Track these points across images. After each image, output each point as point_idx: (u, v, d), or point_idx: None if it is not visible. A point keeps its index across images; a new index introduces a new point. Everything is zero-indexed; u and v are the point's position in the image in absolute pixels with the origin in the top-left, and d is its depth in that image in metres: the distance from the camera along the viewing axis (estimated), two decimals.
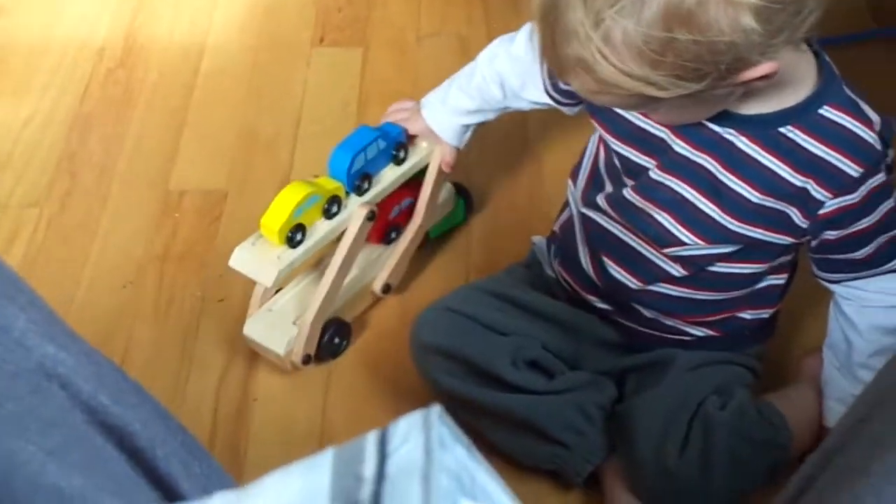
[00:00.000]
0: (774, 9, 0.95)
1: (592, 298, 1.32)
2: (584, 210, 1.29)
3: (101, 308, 1.50)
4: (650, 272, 1.25)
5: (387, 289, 1.47)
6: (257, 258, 1.32)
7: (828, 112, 1.11)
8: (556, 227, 1.38)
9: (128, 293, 1.52)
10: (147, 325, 1.48)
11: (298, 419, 1.38)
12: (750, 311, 1.27)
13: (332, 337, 1.40)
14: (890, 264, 1.18)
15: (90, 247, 1.58)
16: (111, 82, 1.83)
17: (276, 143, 1.71)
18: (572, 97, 1.29)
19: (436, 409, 0.52)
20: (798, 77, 1.10)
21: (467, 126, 1.43)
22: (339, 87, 1.81)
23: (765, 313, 1.28)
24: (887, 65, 1.80)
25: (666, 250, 1.21)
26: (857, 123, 1.11)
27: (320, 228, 1.35)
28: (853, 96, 1.13)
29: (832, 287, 1.23)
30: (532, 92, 1.35)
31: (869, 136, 1.11)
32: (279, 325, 1.38)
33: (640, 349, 1.32)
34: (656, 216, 1.19)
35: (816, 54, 1.13)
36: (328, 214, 1.36)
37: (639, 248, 1.24)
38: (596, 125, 1.23)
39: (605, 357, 1.33)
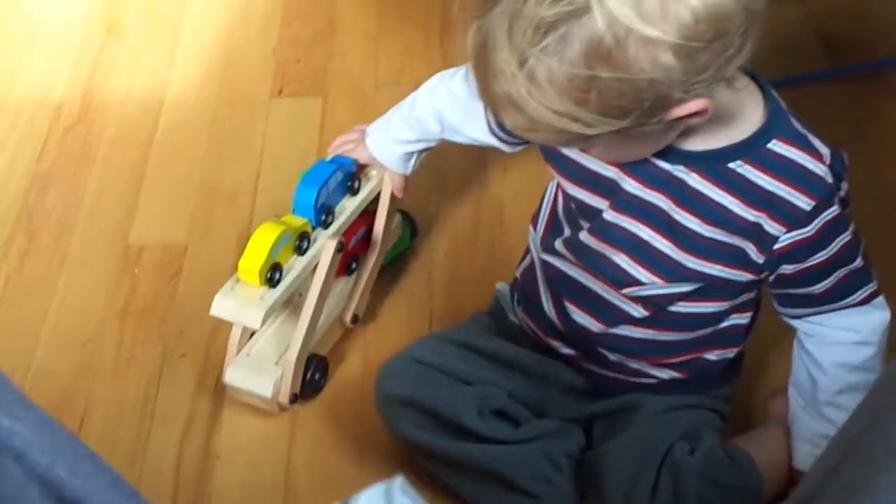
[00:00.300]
0: (696, 47, 0.95)
1: (556, 344, 1.31)
2: (544, 256, 1.29)
3: (60, 366, 1.49)
4: (611, 314, 1.24)
5: (355, 319, 1.47)
6: (240, 302, 1.31)
7: (776, 146, 1.11)
8: (517, 274, 1.37)
9: (88, 350, 1.50)
10: (107, 383, 1.47)
11: (262, 476, 1.36)
12: (715, 352, 1.27)
13: (314, 373, 1.40)
14: (850, 298, 1.18)
15: (49, 304, 1.57)
16: (69, 139, 1.82)
17: (236, 196, 1.70)
18: (515, 136, 1.27)
19: (398, 482, 0.51)
20: (743, 112, 1.10)
21: (410, 154, 1.44)
22: (299, 138, 1.81)
23: (730, 353, 1.28)
24: (844, 102, 1.82)
25: (625, 291, 1.21)
26: (807, 157, 1.11)
27: (295, 265, 1.36)
28: (802, 130, 1.13)
29: (794, 323, 1.23)
30: (471, 129, 1.35)
31: (819, 168, 1.11)
32: (261, 368, 1.37)
33: (607, 394, 1.31)
34: (613, 257, 1.19)
35: (762, 89, 1.13)
36: (300, 251, 1.37)
37: (599, 291, 1.24)
38: (550, 169, 1.23)
39: (571, 403, 1.32)
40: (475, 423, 1.26)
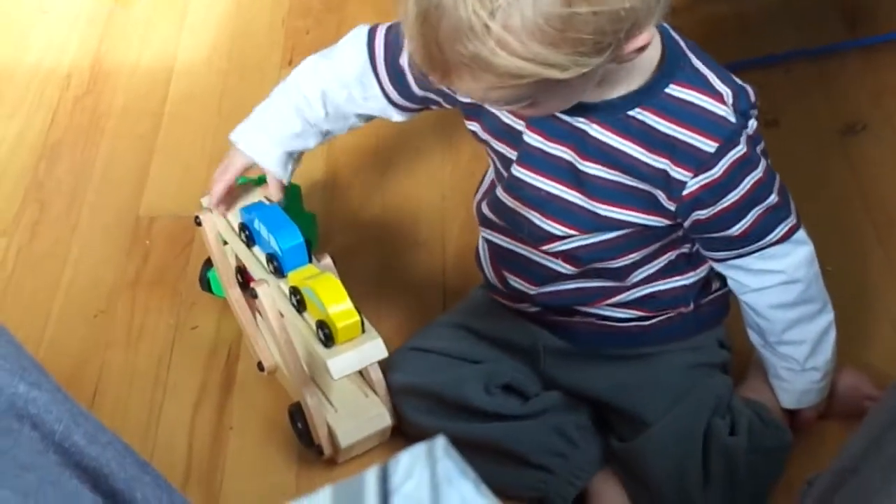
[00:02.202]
0: None
1: (521, 306, 1.31)
2: (481, 229, 1.30)
3: (72, 337, 1.48)
4: (539, 274, 1.25)
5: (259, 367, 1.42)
6: (354, 349, 1.19)
7: (674, 90, 1.10)
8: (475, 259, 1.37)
9: (99, 322, 1.50)
10: (119, 354, 1.46)
11: (275, 447, 1.35)
12: (662, 282, 1.25)
13: None
14: (769, 237, 1.17)
15: (60, 276, 1.56)
16: (79, 109, 1.81)
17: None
18: (413, 100, 1.25)
19: (440, 442, 0.49)
20: (643, 58, 1.07)
21: (291, 153, 1.32)
22: None
23: (682, 280, 1.26)
24: (863, 73, 1.81)
25: (544, 247, 1.21)
26: (706, 98, 1.10)
27: None
28: (702, 70, 1.12)
29: (720, 268, 1.22)
30: (360, 105, 1.27)
31: (720, 109, 1.10)
32: (361, 409, 1.31)
33: (591, 350, 1.30)
34: (526, 214, 1.19)
35: (661, 33, 1.11)
36: None
37: (523, 252, 1.24)
38: (472, 126, 1.21)
39: (568, 369, 1.31)
40: (483, 400, 1.26)
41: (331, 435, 1.29)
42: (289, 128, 1.30)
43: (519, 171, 1.18)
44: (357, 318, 1.17)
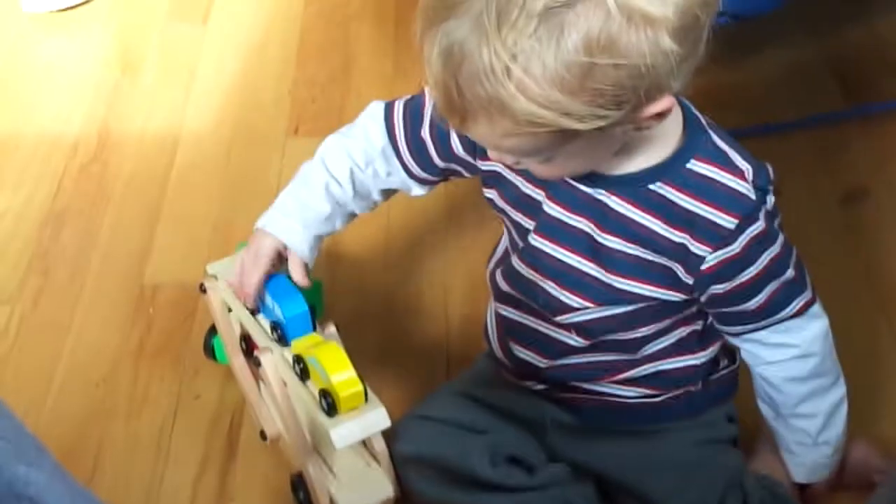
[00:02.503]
0: (687, 30, 0.94)
1: (527, 383, 1.31)
2: (495, 304, 1.29)
3: (74, 405, 1.48)
4: (551, 347, 1.24)
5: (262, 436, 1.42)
6: (356, 418, 1.17)
7: (695, 165, 1.10)
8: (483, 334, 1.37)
9: (102, 390, 1.50)
10: (121, 423, 1.46)
11: None
12: (671, 361, 1.25)
13: None
14: (785, 311, 1.17)
15: (63, 344, 1.56)
16: (85, 177, 1.82)
17: (251, 235, 1.68)
18: (435, 172, 1.25)
19: None
20: (664, 131, 1.08)
21: (319, 237, 1.30)
22: None
23: (691, 360, 1.25)
24: (864, 142, 1.82)
25: (558, 318, 1.20)
26: (727, 174, 1.10)
27: None
28: (722, 147, 1.12)
29: (735, 341, 1.22)
30: (384, 179, 1.27)
31: (741, 185, 1.10)
32: (364, 478, 1.30)
33: (598, 426, 1.30)
34: (542, 284, 1.19)
35: (682, 107, 1.11)
36: None
37: (534, 325, 1.24)
38: (490, 194, 1.22)
39: (575, 443, 1.31)
40: (488, 472, 1.25)
41: None
42: (319, 210, 1.28)
43: (537, 241, 1.18)
44: (360, 387, 1.17)
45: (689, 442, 1.28)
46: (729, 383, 1.31)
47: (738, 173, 1.11)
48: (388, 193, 1.31)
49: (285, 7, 2.18)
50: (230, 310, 1.35)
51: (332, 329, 1.28)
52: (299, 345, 1.22)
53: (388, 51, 2.06)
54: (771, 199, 1.13)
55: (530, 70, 0.93)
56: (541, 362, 1.26)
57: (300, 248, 1.28)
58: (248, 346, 1.36)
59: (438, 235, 1.66)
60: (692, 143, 1.11)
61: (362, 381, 1.17)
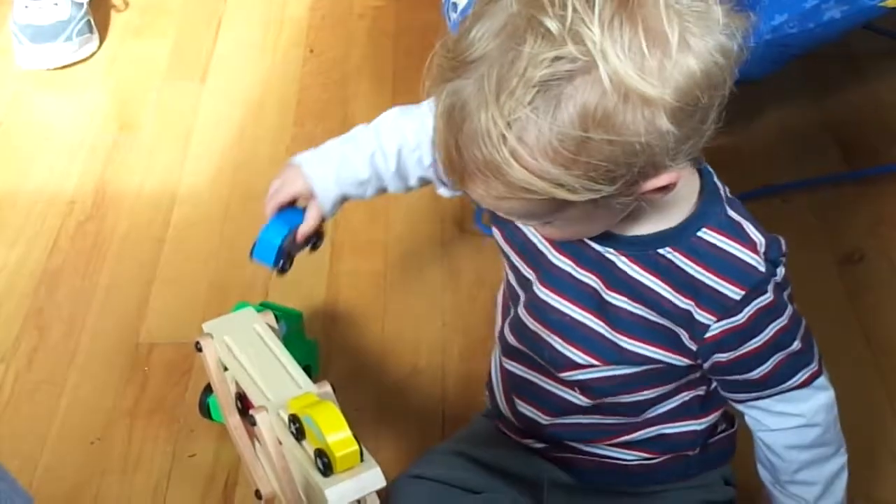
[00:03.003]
0: (687, 112, 0.94)
1: (527, 441, 1.30)
2: (503, 359, 1.28)
3: (68, 464, 1.47)
4: (554, 404, 1.23)
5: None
6: (352, 478, 1.15)
7: (706, 234, 1.10)
8: (486, 388, 1.36)
9: (96, 449, 1.49)
10: (116, 482, 1.45)
11: None
12: (672, 425, 1.24)
13: None
14: (790, 382, 1.16)
15: (58, 402, 1.55)
16: (80, 235, 1.82)
17: (247, 294, 1.69)
18: None
19: None
20: (677, 199, 1.09)
21: (346, 197, 1.33)
22: None
23: (693, 425, 1.25)
24: (861, 205, 1.82)
25: (563, 375, 1.19)
26: (737, 245, 1.10)
27: None
28: (736, 217, 1.12)
29: (739, 407, 1.21)
30: (425, 167, 1.29)
31: (751, 258, 1.10)
32: None
33: (595, 486, 1.29)
34: (547, 338, 1.18)
35: (700, 174, 1.12)
36: None
37: (538, 381, 1.23)
38: (496, 235, 1.22)
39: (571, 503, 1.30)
40: None
41: None
42: (357, 173, 1.31)
43: (543, 293, 1.17)
44: (356, 447, 1.16)
45: (686, 503, 1.27)
46: (726, 447, 1.30)
47: (750, 245, 1.10)
48: (423, 182, 1.32)
49: (283, 64, 2.19)
50: (226, 368, 1.34)
51: (327, 388, 1.27)
52: (295, 404, 1.21)
53: (386, 108, 2.06)
54: (781, 271, 1.13)
55: (525, 139, 0.93)
56: (543, 419, 1.26)
57: (324, 201, 1.31)
58: (243, 405, 1.35)
59: (436, 294, 1.66)
60: (705, 212, 1.11)
61: (358, 440, 1.16)
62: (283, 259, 1.34)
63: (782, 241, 1.14)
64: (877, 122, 1.98)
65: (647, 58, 0.92)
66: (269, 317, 1.33)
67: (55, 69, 2.15)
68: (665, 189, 1.00)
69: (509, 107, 0.92)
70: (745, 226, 1.11)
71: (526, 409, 1.26)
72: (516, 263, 1.20)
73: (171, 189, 1.92)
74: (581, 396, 1.21)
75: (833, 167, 1.89)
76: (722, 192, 1.13)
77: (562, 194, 0.96)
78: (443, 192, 1.31)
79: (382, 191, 1.33)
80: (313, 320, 1.63)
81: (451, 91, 0.96)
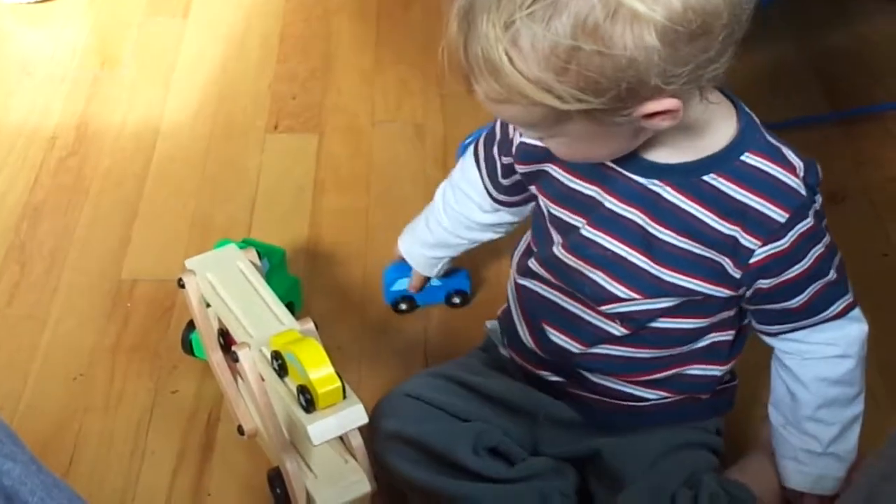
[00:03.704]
0: (680, 34, 0.97)
1: (544, 373, 1.31)
2: (520, 280, 1.30)
3: (51, 400, 1.47)
4: (590, 333, 1.25)
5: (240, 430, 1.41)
6: (336, 414, 1.16)
7: (749, 158, 1.12)
8: (499, 313, 1.38)
9: (78, 385, 1.48)
10: (98, 418, 1.45)
11: None
12: (698, 367, 1.26)
13: None
14: (826, 312, 1.18)
15: (39, 338, 1.55)
16: (62, 170, 1.81)
17: (230, 231, 1.68)
18: (513, 192, 1.32)
19: None
20: (715, 125, 1.12)
21: (438, 259, 1.50)
22: (294, 174, 1.80)
23: (715, 370, 1.27)
24: (844, 145, 1.83)
25: (603, 308, 1.21)
26: (780, 169, 1.12)
27: None
28: (775, 143, 1.14)
29: (772, 341, 1.23)
30: (478, 213, 1.40)
31: (792, 181, 1.12)
32: (341, 475, 1.27)
33: (598, 425, 1.30)
34: (589, 274, 1.20)
35: (735, 105, 1.14)
36: None
37: (575, 311, 1.24)
38: (533, 189, 1.25)
39: (564, 438, 1.31)
40: (470, 460, 1.25)
41: (310, 501, 1.28)
42: (428, 236, 1.48)
43: (589, 232, 1.19)
44: (338, 383, 1.16)
45: (674, 439, 1.29)
46: (729, 397, 1.33)
47: (791, 168, 1.12)
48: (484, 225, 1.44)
49: (265, 1, 2.17)
50: (208, 305, 1.35)
51: (310, 325, 1.27)
52: (278, 340, 1.22)
53: (369, 46, 2.05)
54: (819, 199, 1.15)
55: (519, 44, 0.98)
56: (576, 348, 1.26)
57: (418, 265, 1.53)
58: (225, 341, 1.36)
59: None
60: (746, 137, 1.13)
61: (340, 377, 1.16)
62: (399, 300, 1.57)
63: (818, 167, 1.15)
64: (860, 63, 1.98)
65: None
66: (252, 254, 1.33)
67: (36, 3, 2.14)
68: (669, 115, 1.03)
69: (508, 12, 0.97)
70: (784, 150, 1.14)
71: (558, 337, 1.27)
72: (556, 212, 1.21)
73: (152, 125, 1.90)
74: (620, 327, 1.22)
75: (816, 108, 1.89)
76: (756, 119, 1.15)
77: (551, 101, 0.99)
78: (510, 215, 1.40)
79: (460, 246, 1.48)
80: (296, 257, 1.63)
81: None
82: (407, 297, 1.57)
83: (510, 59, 0.98)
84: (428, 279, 1.54)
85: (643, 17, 0.95)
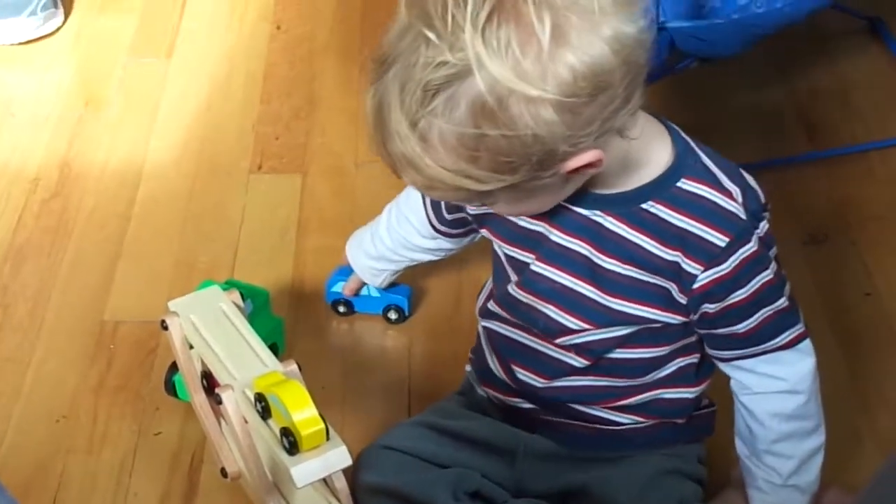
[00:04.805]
0: (577, 102, 0.98)
1: (517, 401, 1.32)
2: (483, 323, 1.32)
3: (33, 442, 1.46)
4: (552, 367, 1.26)
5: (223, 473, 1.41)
6: (318, 457, 1.16)
7: (685, 184, 1.14)
8: (471, 354, 1.40)
9: (61, 427, 1.48)
10: (81, 460, 1.44)
11: None
12: (669, 391, 1.27)
13: None
14: (776, 340, 1.18)
15: (22, 379, 1.54)
16: (45, 212, 1.81)
17: (214, 272, 1.68)
18: (455, 226, 1.38)
19: None
20: (650, 155, 1.13)
21: (380, 270, 1.55)
22: (278, 215, 1.80)
23: (686, 392, 1.28)
24: (826, 185, 1.83)
25: (558, 340, 1.23)
26: (717, 193, 1.14)
27: None
28: (712, 168, 1.15)
29: (725, 368, 1.23)
30: (417, 237, 1.46)
31: (730, 205, 1.13)
32: None
33: (579, 453, 1.31)
34: (541, 308, 1.21)
35: (669, 130, 1.16)
36: None
37: (535, 346, 1.26)
38: (485, 232, 1.26)
39: (546, 473, 1.31)
40: None
41: None
42: (371, 250, 1.53)
43: (538, 267, 1.20)
44: (322, 425, 1.16)
45: (659, 468, 1.29)
46: (706, 423, 1.33)
47: (727, 193, 1.14)
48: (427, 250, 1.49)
49: (250, 41, 2.18)
50: (191, 347, 1.34)
51: (293, 367, 1.27)
52: (260, 382, 1.21)
53: (353, 86, 2.06)
54: (764, 225, 1.16)
55: (428, 139, 1.01)
56: (539, 382, 1.27)
57: (362, 273, 1.58)
58: (209, 383, 1.35)
59: (403, 275, 1.65)
60: (682, 163, 1.14)
61: (324, 419, 1.16)
62: (337, 302, 1.62)
63: (759, 192, 1.17)
64: (842, 102, 1.99)
65: (522, 57, 0.96)
66: (235, 295, 1.33)
67: (19, 44, 2.14)
68: (591, 166, 1.05)
69: (411, 109, 0.99)
70: (719, 175, 1.15)
71: (522, 373, 1.28)
72: (509, 252, 1.23)
73: (136, 166, 1.90)
74: (578, 358, 1.23)
75: (798, 147, 1.90)
76: (692, 143, 1.16)
77: (471, 185, 1.02)
78: (450, 244, 1.46)
79: (401, 262, 1.53)
80: (280, 298, 1.63)
81: (373, 92, 1.03)
82: (346, 301, 1.61)
83: (424, 154, 1.01)
84: (364, 285, 1.59)
85: (535, 99, 0.97)
